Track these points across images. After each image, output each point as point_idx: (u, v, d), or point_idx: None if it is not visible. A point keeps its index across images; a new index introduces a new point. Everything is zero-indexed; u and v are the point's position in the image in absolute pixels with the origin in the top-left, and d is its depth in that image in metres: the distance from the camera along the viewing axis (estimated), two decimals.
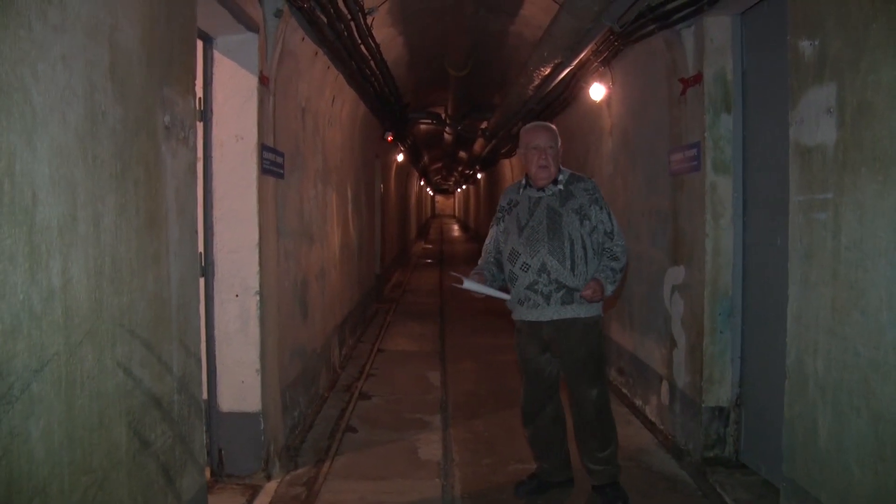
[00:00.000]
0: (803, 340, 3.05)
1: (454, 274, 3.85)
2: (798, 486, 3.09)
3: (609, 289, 3.69)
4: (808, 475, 3.01)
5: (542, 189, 3.84)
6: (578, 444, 3.97)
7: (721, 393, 4.30)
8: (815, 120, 2.92)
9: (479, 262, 4.04)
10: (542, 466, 4.07)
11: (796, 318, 3.11)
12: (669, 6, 4.26)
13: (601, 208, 3.80)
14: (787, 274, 3.18)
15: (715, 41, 4.21)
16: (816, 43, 2.91)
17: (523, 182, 3.95)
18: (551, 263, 3.71)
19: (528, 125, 4.02)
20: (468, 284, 3.76)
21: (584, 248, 3.74)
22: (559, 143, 3.89)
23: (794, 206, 3.12)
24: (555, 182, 3.83)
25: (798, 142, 3.08)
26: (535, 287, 3.75)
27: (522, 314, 3.85)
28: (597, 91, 6.39)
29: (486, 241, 4.06)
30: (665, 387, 5.03)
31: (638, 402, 5.66)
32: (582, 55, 5.67)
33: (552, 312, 3.75)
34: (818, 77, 2.89)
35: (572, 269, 3.72)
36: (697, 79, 4.33)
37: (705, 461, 4.28)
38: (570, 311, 3.75)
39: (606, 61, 5.88)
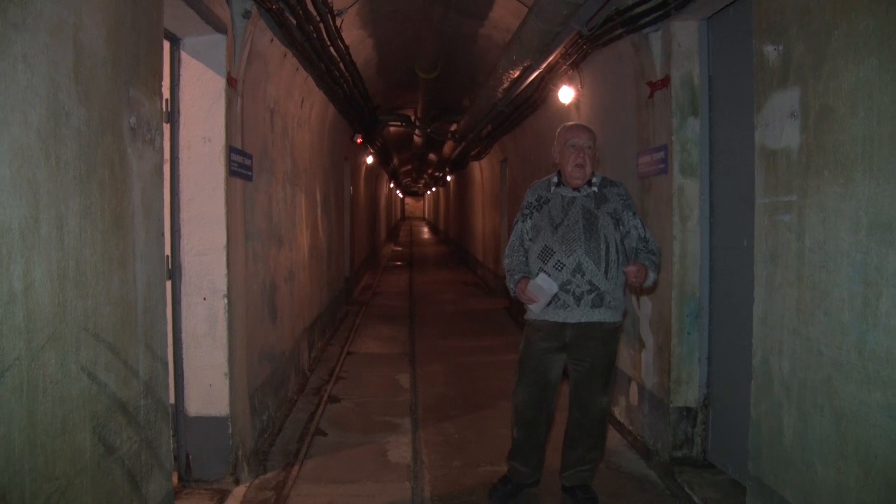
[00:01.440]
0: (769, 341, 3.09)
1: (538, 283, 3.58)
2: (764, 484, 3.13)
3: (651, 277, 3.63)
4: (773, 473, 3.06)
5: (576, 189, 3.74)
6: (568, 444, 3.90)
7: (689, 393, 4.34)
8: (779, 123, 2.97)
9: (509, 262, 3.87)
10: (517, 469, 3.96)
11: (762, 319, 3.15)
12: (637, 10, 4.30)
13: (634, 214, 3.74)
14: (753, 275, 3.22)
15: (682, 45, 4.26)
16: (780, 48, 2.95)
17: (555, 180, 3.84)
18: (587, 264, 3.61)
19: (567, 123, 3.93)
20: (544, 282, 3.57)
21: (618, 252, 3.67)
22: (596, 145, 3.82)
23: (760, 209, 3.16)
24: (589, 183, 3.75)
25: (763, 145, 3.12)
26: (568, 287, 3.62)
27: (547, 313, 3.69)
28: (566, 94, 6.42)
29: (512, 239, 3.91)
30: (634, 388, 5.07)
31: None
32: (550, 58, 5.70)
33: (580, 314, 3.65)
34: (782, 81, 2.94)
35: (606, 273, 3.63)
36: (665, 82, 4.38)
37: (673, 461, 4.32)
38: (598, 315, 3.66)
39: (575, 64, 5.92)
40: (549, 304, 3.66)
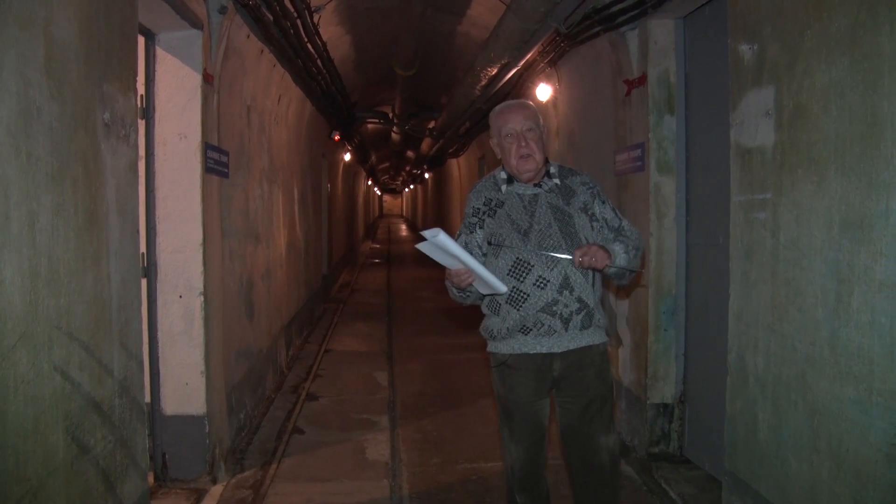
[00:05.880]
0: (744, 337, 3.12)
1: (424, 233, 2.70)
2: (739, 479, 3.16)
3: (620, 254, 2.80)
4: (748, 468, 3.09)
5: (537, 185, 2.97)
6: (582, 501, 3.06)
7: (665, 390, 4.37)
8: (754, 122, 3.00)
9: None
10: None
11: (737, 316, 3.18)
12: (614, 8, 4.31)
13: (604, 203, 2.97)
14: (729, 272, 3.25)
15: (658, 43, 4.29)
16: (755, 47, 2.98)
17: (503, 176, 3.00)
18: (575, 277, 2.82)
19: (497, 107, 3.08)
20: (437, 239, 2.65)
21: None
22: (542, 124, 3.00)
23: (735, 206, 3.19)
24: (548, 174, 2.99)
25: (738, 143, 3.15)
26: (554, 308, 2.81)
27: (525, 345, 2.87)
28: (543, 91, 6.45)
29: None
30: None
31: None
32: (528, 56, 5.72)
33: (569, 340, 2.85)
34: (757, 80, 2.97)
35: (593, 284, 2.90)
36: (642, 80, 4.40)
37: (650, 457, 4.35)
38: (587, 338, 2.88)
39: (553, 62, 5.94)
40: (525, 332, 2.85)
